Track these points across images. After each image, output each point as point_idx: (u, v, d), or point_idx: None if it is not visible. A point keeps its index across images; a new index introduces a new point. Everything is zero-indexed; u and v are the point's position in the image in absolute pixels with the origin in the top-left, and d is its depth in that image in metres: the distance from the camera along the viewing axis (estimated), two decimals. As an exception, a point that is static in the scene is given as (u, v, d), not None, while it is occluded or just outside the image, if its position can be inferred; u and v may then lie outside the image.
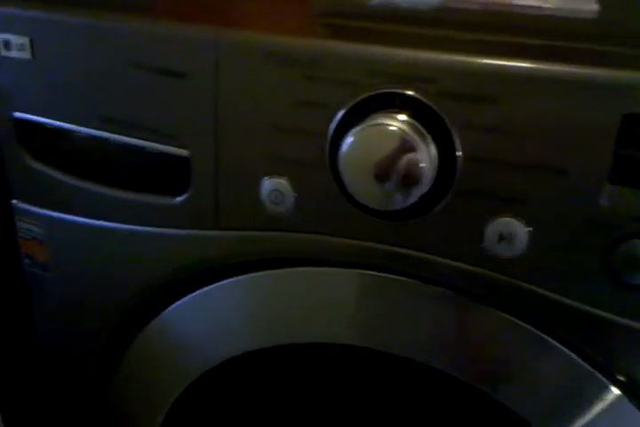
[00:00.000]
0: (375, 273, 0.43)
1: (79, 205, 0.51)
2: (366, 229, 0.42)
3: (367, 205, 0.39)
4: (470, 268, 0.40)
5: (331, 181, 0.41)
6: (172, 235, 0.47)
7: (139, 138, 0.45)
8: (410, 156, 0.37)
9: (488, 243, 0.39)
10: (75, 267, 0.54)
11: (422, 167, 0.37)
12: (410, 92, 0.37)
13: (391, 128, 0.37)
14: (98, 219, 0.50)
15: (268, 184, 0.42)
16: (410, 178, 0.37)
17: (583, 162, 0.35)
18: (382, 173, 0.37)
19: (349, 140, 0.38)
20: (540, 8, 0.48)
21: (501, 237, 0.38)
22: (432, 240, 0.40)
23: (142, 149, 0.45)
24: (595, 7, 0.47)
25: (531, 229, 0.37)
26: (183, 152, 0.44)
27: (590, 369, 0.39)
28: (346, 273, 0.44)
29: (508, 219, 0.38)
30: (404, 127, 0.37)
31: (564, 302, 0.38)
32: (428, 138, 0.37)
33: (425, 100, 0.37)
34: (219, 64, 0.41)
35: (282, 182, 0.42)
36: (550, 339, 0.39)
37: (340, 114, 0.39)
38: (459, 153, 0.38)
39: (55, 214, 0.52)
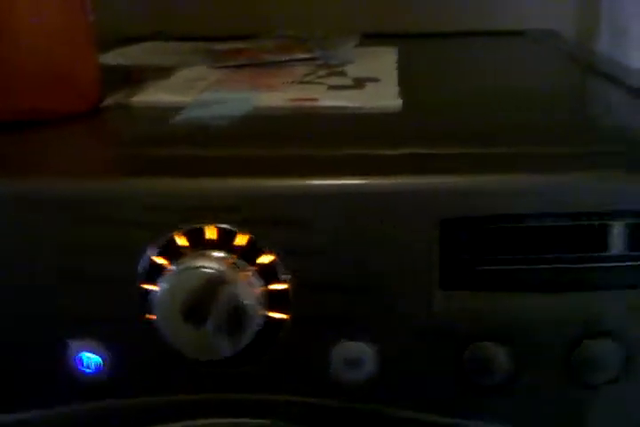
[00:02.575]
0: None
1: None
2: (197, 380, 0.37)
3: (192, 355, 0.34)
4: (319, 400, 0.36)
5: (148, 335, 0.35)
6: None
7: None
8: (231, 295, 0.33)
9: (335, 370, 0.35)
10: None
11: (246, 304, 0.33)
12: (217, 225, 0.34)
13: (204, 269, 0.33)
14: None
15: (75, 349, 0.36)
16: (236, 318, 0.33)
17: (385, 273, 0.34)
18: (204, 318, 0.33)
19: (161, 287, 0.33)
20: (346, 107, 0.49)
21: (348, 362, 0.35)
22: (276, 379, 0.36)
23: None
24: (399, 103, 0.48)
25: (375, 348, 0.35)
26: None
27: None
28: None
29: (351, 342, 0.35)
30: (218, 266, 0.33)
31: (424, 418, 0.36)
32: (250, 271, 0.34)
33: (235, 230, 0.34)
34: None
35: (92, 344, 0.36)
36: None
37: (146, 257, 0.34)
38: (284, 281, 0.35)
39: None
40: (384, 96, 0.52)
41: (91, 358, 0.36)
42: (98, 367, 0.36)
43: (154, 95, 0.54)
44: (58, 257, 0.35)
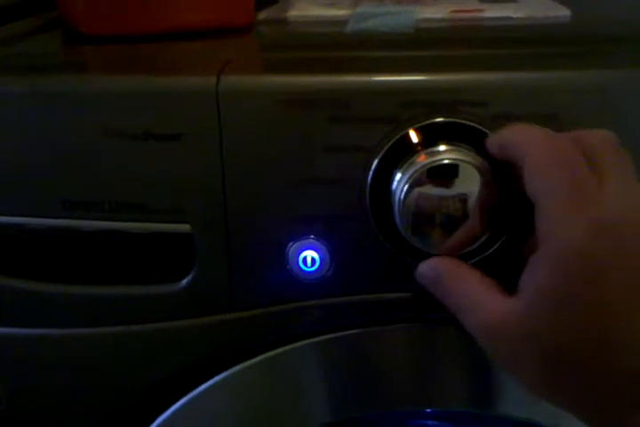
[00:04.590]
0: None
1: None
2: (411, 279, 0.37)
3: (428, 250, 0.34)
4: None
5: (372, 233, 0.35)
6: (171, 329, 0.39)
7: (120, 220, 0.36)
8: (482, 190, 0.32)
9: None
10: (33, 393, 0.43)
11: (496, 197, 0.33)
12: (452, 120, 0.34)
13: (450, 162, 0.32)
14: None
15: (295, 248, 0.36)
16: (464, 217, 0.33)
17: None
18: (436, 215, 0.33)
19: (402, 184, 0.33)
20: (510, 18, 0.47)
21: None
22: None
23: (125, 232, 0.37)
24: (567, 13, 0.47)
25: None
26: (183, 228, 0.36)
27: None
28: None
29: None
30: (465, 158, 0.32)
31: None
32: (486, 168, 0.33)
33: (478, 126, 0.33)
34: (221, 116, 0.34)
35: (313, 243, 0.36)
36: None
37: (380, 155, 0.34)
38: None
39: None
40: (548, 7, 0.50)
41: (311, 257, 0.36)
42: (317, 266, 0.36)
43: (308, 10, 0.52)
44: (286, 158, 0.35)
